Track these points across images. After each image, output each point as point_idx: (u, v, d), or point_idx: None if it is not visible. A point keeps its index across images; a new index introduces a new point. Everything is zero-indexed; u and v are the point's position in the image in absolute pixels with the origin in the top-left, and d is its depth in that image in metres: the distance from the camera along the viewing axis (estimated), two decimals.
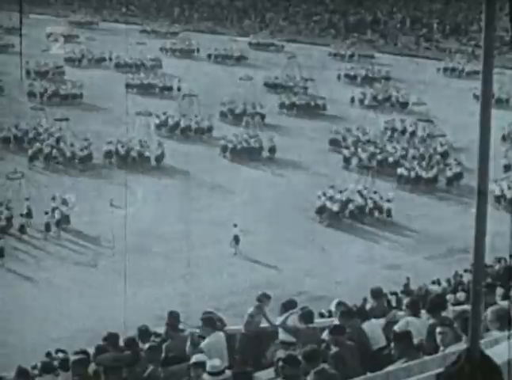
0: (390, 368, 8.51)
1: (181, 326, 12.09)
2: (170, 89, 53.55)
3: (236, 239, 31.09)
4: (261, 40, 68.01)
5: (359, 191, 35.21)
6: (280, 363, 8.68)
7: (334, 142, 43.39)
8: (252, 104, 48.37)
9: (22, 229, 32.16)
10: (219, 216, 33.32)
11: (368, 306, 11.88)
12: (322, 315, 18.98)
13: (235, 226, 31.20)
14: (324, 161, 40.77)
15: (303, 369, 8.47)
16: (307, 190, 36.10)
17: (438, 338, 8.77)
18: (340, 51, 64.82)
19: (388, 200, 34.88)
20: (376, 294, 11.96)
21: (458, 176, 37.72)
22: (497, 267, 23.62)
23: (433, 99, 48.88)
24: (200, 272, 29.08)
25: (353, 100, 51.85)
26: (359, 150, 40.98)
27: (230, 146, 42.13)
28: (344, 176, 37.45)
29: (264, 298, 12.21)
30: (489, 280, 14.28)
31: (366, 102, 51.30)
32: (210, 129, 45.24)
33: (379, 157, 40.23)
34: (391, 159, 39.96)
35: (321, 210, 34.50)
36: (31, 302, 26.72)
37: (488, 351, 4.43)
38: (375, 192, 35.27)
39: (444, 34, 72.19)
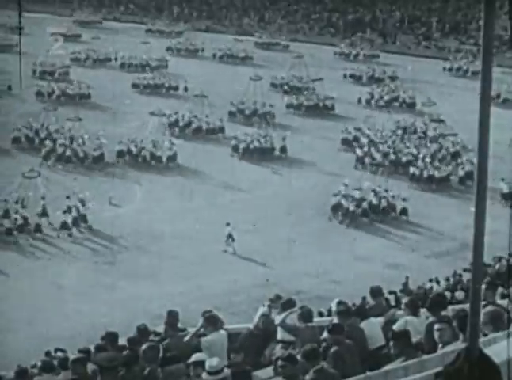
0: (389, 367, 8.51)
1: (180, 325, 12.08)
2: (176, 88, 53.53)
3: (231, 237, 31.12)
4: (266, 40, 68.02)
5: (373, 190, 35.31)
6: (280, 362, 8.68)
7: (345, 142, 43.48)
8: (262, 104, 48.39)
9: (38, 227, 32.18)
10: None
11: (366, 305, 11.88)
12: (321, 314, 19.00)
13: (228, 224, 31.23)
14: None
15: (303, 368, 8.48)
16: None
17: (436, 334, 8.77)
18: (345, 50, 64.80)
19: (404, 199, 35.07)
20: (375, 292, 11.96)
21: (470, 175, 37.96)
22: (497, 266, 23.66)
23: (441, 99, 48.86)
24: (201, 270, 29.14)
25: (360, 100, 51.83)
26: (372, 149, 41.04)
27: (242, 145, 42.19)
28: (357, 176, 37.49)
29: (277, 299, 12.21)
30: (488, 279, 14.27)
31: (373, 102, 51.34)
32: (221, 129, 45.27)
33: (391, 156, 40.34)
34: (404, 159, 40.07)
35: (336, 208, 34.62)
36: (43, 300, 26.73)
37: (487, 350, 4.43)
38: (386, 191, 35.35)
39: (443, 33, 72.20)
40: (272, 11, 79.27)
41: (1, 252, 30.81)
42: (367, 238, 32.93)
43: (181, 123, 45.48)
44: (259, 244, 31.19)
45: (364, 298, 16.05)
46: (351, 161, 40.77)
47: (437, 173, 38.41)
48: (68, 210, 32.62)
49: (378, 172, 38.55)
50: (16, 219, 32.17)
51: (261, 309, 12.00)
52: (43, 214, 32.65)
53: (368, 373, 8.73)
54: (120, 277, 28.14)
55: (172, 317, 11.89)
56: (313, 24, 75.55)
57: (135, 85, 54.25)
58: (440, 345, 8.65)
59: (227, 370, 9.13)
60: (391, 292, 22.21)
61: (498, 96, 49.63)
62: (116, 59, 60.43)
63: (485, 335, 7.99)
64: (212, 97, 47.63)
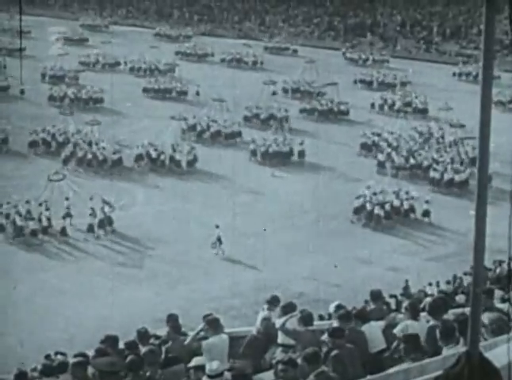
0: (390, 371, 8.51)
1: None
2: (186, 93, 53.73)
3: (219, 240, 31.24)
4: (275, 45, 68.22)
5: (395, 192, 35.59)
6: (280, 366, 8.68)
7: (365, 146, 43.58)
8: (277, 109, 48.49)
9: (64, 230, 32.36)
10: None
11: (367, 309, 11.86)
12: (321, 317, 18.99)
13: (217, 227, 31.29)
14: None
15: (303, 371, 8.47)
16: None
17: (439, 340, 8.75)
18: (354, 55, 64.90)
19: (427, 201, 35.31)
20: (376, 296, 11.96)
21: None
22: (498, 270, 23.63)
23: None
24: (203, 274, 29.22)
25: (373, 105, 51.88)
26: (393, 153, 41.20)
27: (261, 149, 42.33)
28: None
29: (274, 301, 12.22)
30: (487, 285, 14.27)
31: (386, 107, 51.46)
32: (239, 133, 45.36)
33: (412, 160, 40.50)
34: (425, 162, 40.22)
35: (359, 211, 34.91)
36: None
37: (487, 354, 4.42)
38: (407, 193, 35.59)
39: (444, 37, 72.27)
40: (273, 14, 79.35)
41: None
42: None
43: (198, 128, 45.56)
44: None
45: (366, 302, 16.02)
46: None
47: (457, 177, 38.70)
48: (93, 213, 32.82)
49: (399, 175, 39.02)
50: (40, 221, 32.42)
51: (262, 313, 12.00)
52: (68, 216, 32.86)
53: (369, 376, 8.73)
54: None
55: (173, 320, 11.89)
56: (314, 27, 75.66)
57: (145, 90, 54.40)
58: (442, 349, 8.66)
59: (227, 374, 9.13)
60: (391, 296, 22.19)
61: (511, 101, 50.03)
62: (125, 63, 60.64)
63: (485, 339, 7.99)
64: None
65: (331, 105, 50.54)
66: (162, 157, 40.62)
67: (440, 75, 59.38)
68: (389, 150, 41.55)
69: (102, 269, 29.34)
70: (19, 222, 32.15)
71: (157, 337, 11.93)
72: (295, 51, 66.90)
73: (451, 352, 8.02)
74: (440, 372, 4.59)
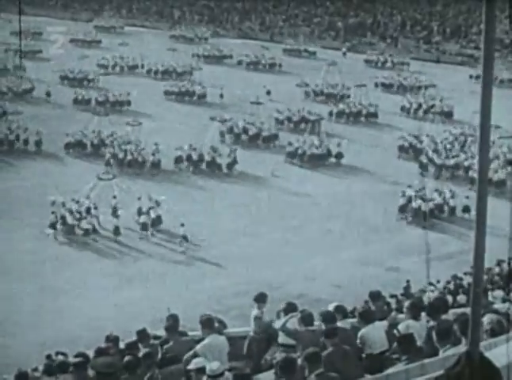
0: (390, 371, 8.51)
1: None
2: (206, 96, 53.90)
3: (185, 238, 31.85)
4: (294, 47, 68.39)
5: (437, 190, 36.17)
6: (280, 366, 8.68)
7: (402, 149, 43.82)
8: (308, 112, 48.52)
9: (117, 229, 32.67)
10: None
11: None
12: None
13: (182, 225, 31.90)
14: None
15: (304, 371, 8.48)
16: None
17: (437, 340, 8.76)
18: (373, 57, 65.00)
19: (467, 197, 35.42)
20: (375, 296, 11.96)
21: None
22: (496, 270, 23.65)
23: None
24: (204, 274, 29.30)
25: (403, 108, 51.90)
26: (435, 155, 41.43)
27: (298, 152, 42.43)
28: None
29: (263, 298, 12.18)
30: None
31: (412, 110, 51.57)
32: (276, 136, 45.50)
33: (451, 161, 40.81)
34: (466, 163, 40.46)
35: (403, 209, 35.39)
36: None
37: (488, 354, 4.43)
38: (450, 191, 36.16)
39: (444, 36, 72.29)
40: (273, 14, 79.39)
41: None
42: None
43: (236, 130, 45.64)
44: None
45: (366, 302, 16.01)
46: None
47: (495, 177, 38.92)
48: (144, 212, 33.26)
49: (440, 176, 39.50)
50: (92, 221, 32.82)
51: (253, 313, 11.98)
52: (116, 215, 33.19)
53: (369, 376, 8.73)
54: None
55: (173, 320, 11.88)
56: (314, 27, 75.68)
57: (167, 92, 54.43)
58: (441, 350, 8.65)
59: (227, 374, 9.12)
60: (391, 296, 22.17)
61: None
62: (142, 66, 60.80)
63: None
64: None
65: (360, 107, 50.59)
66: (206, 158, 40.84)
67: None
68: (431, 151, 41.87)
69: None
70: (70, 221, 32.58)
71: (156, 338, 11.92)
72: (313, 52, 67.10)
73: (451, 352, 8.02)
74: (440, 372, 4.60)
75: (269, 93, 53.10)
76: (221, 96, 53.03)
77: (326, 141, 43.59)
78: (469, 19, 72.85)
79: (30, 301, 25.94)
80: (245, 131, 45.51)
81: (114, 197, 33.99)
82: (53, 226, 32.43)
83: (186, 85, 55.00)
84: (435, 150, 42.04)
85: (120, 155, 40.84)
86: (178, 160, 40.95)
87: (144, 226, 32.92)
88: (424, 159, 41.58)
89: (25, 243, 30.85)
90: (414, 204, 35.26)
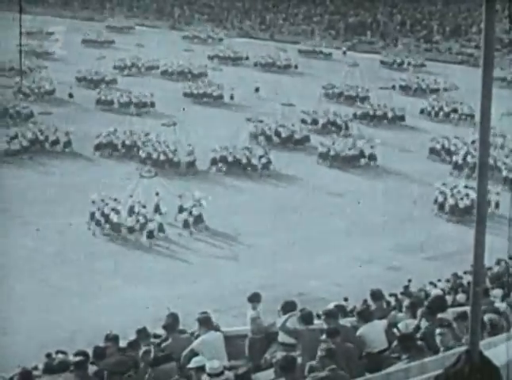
0: (390, 369, 8.51)
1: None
2: (221, 97, 53.71)
3: (160, 228, 32.74)
4: (309, 48, 68.00)
5: (472, 188, 36.09)
6: (280, 365, 8.69)
7: (433, 151, 43.94)
8: (333, 113, 48.53)
9: (161, 226, 33.16)
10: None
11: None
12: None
13: (160, 213, 32.99)
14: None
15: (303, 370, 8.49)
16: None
17: (438, 339, 8.77)
18: (389, 59, 64.58)
19: (497, 193, 35.94)
20: (376, 295, 11.95)
21: None
22: (496, 269, 23.60)
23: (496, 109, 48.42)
24: (205, 273, 29.38)
25: (423, 111, 51.58)
26: (468, 156, 41.55)
27: (331, 153, 42.50)
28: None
29: (256, 298, 12.17)
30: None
31: (433, 113, 51.34)
32: (308, 138, 45.44)
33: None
34: (499, 163, 40.46)
35: (441, 206, 36.12)
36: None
37: (487, 353, 4.43)
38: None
39: (444, 36, 72.25)
40: (273, 13, 79.37)
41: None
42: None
43: (268, 132, 45.71)
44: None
45: (365, 301, 16.02)
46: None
47: None
48: (187, 210, 33.77)
49: (472, 176, 39.33)
50: (138, 219, 33.11)
51: (249, 314, 11.96)
52: (160, 212, 33.66)
53: (369, 375, 8.74)
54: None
55: (172, 319, 11.88)
56: (314, 26, 75.66)
57: (186, 94, 54.24)
58: (441, 349, 8.66)
59: (228, 373, 9.12)
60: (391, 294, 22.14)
61: None
62: (158, 68, 60.52)
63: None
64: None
65: (385, 110, 50.46)
66: (241, 159, 41.04)
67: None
68: (463, 152, 42.05)
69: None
70: (116, 219, 32.94)
71: (156, 336, 11.93)
72: (329, 54, 66.81)
73: (451, 351, 8.03)
74: (440, 371, 4.60)
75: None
76: (231, 97, 52.99)
77: (356, 142, 43.64)
78: (469, 18, 72.82)
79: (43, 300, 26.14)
80: (277, 133, 45.58)
81: (157, 194, 34.35)
82: (98, 223, 32.96)
83: (205, 87, 54.75)
84: (468, 152, 42.18)
85: (155, 155, 41.12)
86: (213, 161, 41.23)
87: (186, 224, 33.47)
88: (457, 159, 41.80)
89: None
90: (451, 201, 35.95)
